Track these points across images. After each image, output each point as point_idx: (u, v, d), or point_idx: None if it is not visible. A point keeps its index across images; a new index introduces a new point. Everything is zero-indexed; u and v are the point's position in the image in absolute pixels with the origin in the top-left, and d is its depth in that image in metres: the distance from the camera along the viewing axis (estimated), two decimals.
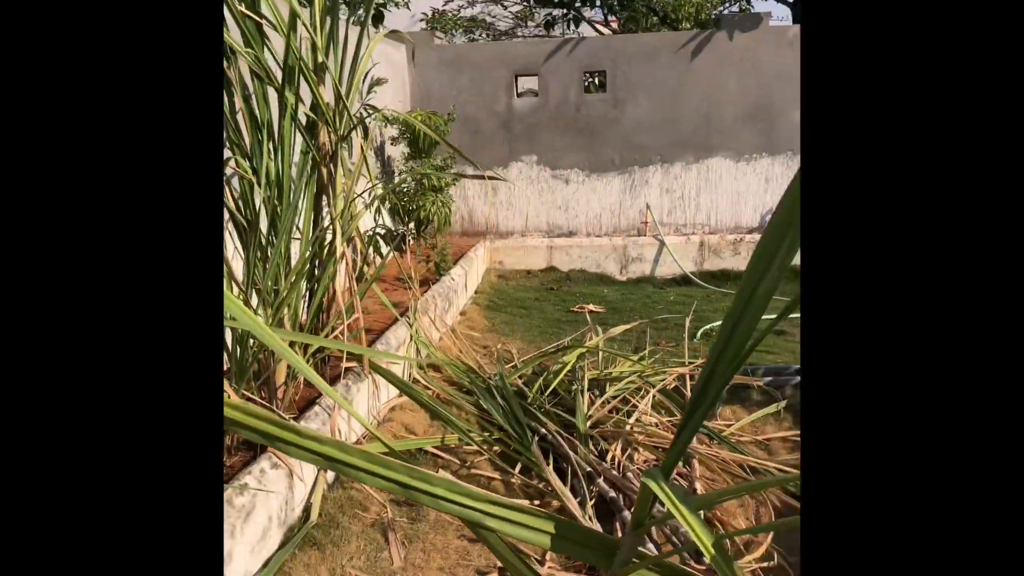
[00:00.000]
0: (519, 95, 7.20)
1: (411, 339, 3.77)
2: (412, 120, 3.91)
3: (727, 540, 2.41)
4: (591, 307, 5.87)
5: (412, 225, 5.13)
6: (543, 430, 3.05)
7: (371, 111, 3.50)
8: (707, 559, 0.74)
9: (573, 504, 2.48)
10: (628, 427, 3.05)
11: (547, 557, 2.34)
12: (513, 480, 2.78)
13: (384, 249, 4.76)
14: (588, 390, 3.52)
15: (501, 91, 7.09)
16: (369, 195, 4.26)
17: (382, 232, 4.73)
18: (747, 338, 0.61)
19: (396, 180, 5.77)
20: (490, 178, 6.95)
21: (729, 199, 7.15)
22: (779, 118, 6.93)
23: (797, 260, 0.64)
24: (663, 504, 0.92)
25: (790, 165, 7.02)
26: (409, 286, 5.25)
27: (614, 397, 3.42)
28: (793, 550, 2.37)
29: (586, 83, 8.03)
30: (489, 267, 7.07)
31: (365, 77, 3.52)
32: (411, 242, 5.34)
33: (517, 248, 7.10)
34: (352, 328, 3.13)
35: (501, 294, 6.22)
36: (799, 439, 3.26)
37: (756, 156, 7.04)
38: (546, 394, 3.51)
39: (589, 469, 2.73)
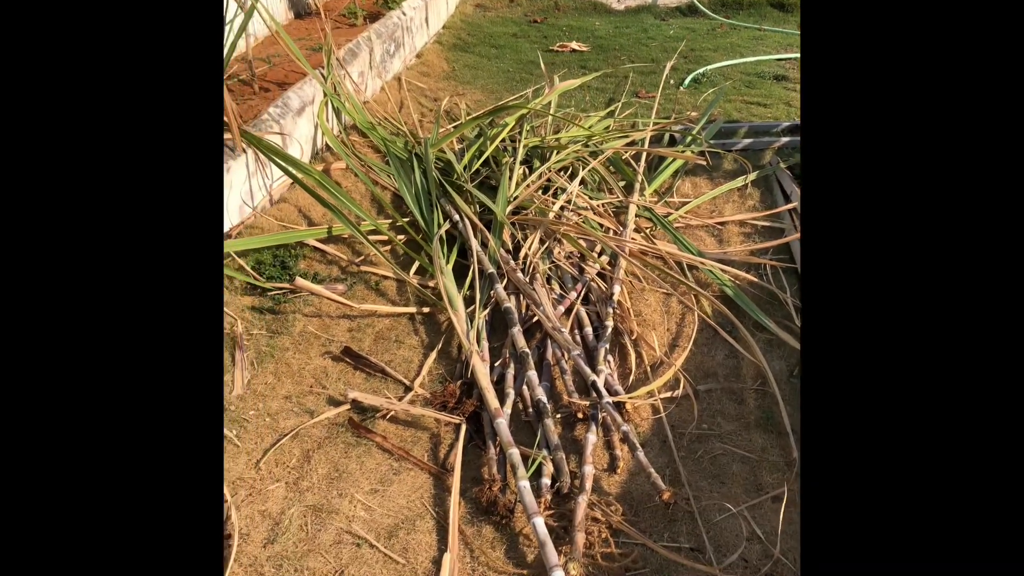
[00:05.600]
0: None
1: (325, 97, 3.20)
2: None
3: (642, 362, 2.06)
4: (574, 45, 5.11)
5: None
6: (456, 216, 2.62)
7: None
8: None
9: (458, 318, 2.13)
10: (552, 214, 2.60)
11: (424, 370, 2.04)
12: (408, 281, 2.42)
13: None
14: (524, 162, 3.02)
15: None
16: None
17: None
18: None
19: None
20: None
21: None
22: None
23: None
24: None
25: None
26: (355, 23, 4.54)
27: (552, 170, 2.92)
28: (702, 377, 2.02)
29: None
30: None
31: None
32: None
33: None
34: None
35: (474, 29, 5.44)
36: (757, 223, 2.79)
37: None
38: (476, 165, 3.02)
39: (492, 270, 2.34)
